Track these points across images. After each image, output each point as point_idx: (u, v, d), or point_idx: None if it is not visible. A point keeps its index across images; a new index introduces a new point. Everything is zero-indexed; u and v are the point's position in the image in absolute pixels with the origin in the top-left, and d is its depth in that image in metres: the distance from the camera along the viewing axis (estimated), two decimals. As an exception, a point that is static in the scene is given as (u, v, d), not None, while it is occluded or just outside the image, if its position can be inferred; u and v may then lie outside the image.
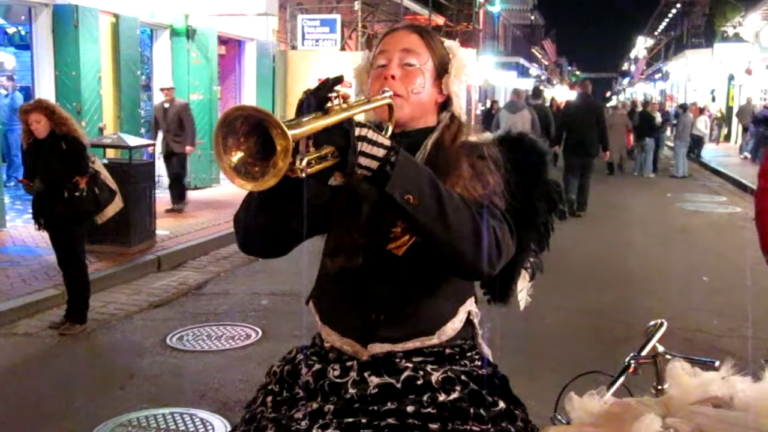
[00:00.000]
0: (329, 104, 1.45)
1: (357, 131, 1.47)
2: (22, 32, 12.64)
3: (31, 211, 5.70)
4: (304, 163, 1.39)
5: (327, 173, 1.48)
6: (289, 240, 1.74)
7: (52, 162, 5.43)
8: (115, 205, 5.91)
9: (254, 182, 1.37)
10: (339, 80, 1.50)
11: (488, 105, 22.29)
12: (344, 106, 1.48)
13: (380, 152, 1.50)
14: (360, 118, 1.59)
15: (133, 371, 4.86)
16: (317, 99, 1.45)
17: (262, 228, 1.69)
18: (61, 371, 4.89)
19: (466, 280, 1.80)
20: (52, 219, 5.53)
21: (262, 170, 1.36)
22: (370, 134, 1.49)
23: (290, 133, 1.30)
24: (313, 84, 1.58)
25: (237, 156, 1.38)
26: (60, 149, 5.42)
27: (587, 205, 11.58)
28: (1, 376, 4.81)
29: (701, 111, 21.46)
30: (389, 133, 1.69)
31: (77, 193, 5.49)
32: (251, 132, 1.37)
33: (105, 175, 5.84)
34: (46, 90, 9.84)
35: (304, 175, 1.39)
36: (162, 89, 10.67)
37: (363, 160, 1.49)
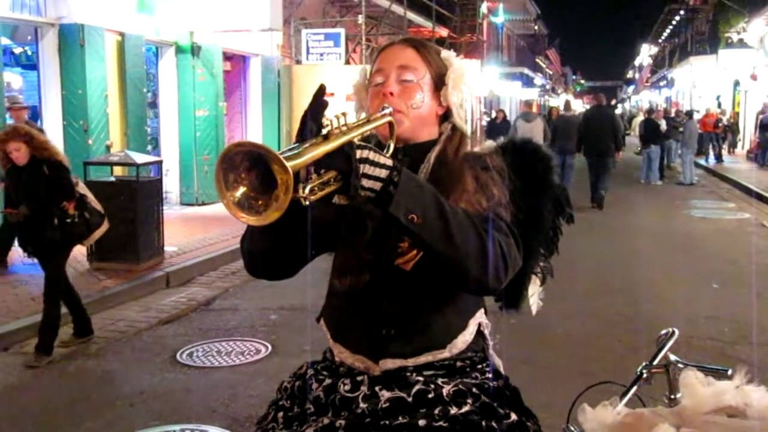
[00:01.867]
0: (329, 128, 1.44)
1: (358, 153, 1.46)
2: (29, 52, 12.71)
3: (18, 239, 5.53)
4: (307, 190, 1.38)
5: (330, 195, 1.48)
6: (295, 261, 1.75)
7: (36, 188, 5.32)
8: (103, 228, 5.79)
9: (257, 216, 1.37)
10: (322, 91, 1.50)
11: (494, 115, 22.36)
12: (344, 128, 1.47)
13: (383, 173, 1.49)
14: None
15: (143, 388, 4.86)
16: (317, 124, 1.45)
17: (268, 251, 1.70)
18: (70, 389, 4.89)
19: (474, 295, 1.79)
20: (41, 245, 5.42)
21: (265, 204, 1.36)
22: (372, 155, 1.48)
23: (290, 164, 1.30)
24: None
25: (239, 191, 1.38)
26: (42, 174, 5.32)
27: (605, 198, 13.36)
28: (12, 394, 4.82)
29: None
30: (391, 151, 1.69)
31: (68, 219, 5.40)
32: (252, 167, 1.37)
33: (91, 198, 5.70)
34: (53, 109, 9.90)
35: (307, 203, 1.39)
36: (10, 108, 8.53)
37: (366, 182, 1.48)
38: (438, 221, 1.53)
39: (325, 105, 1.48)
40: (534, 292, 1.99)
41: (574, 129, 13.87)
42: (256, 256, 1.75)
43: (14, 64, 13.46)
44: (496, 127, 19.15)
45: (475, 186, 1.71)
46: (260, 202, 1.37)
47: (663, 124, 18.95)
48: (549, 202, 1.91)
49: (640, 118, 21.21)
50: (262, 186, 1.36)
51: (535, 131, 13.41)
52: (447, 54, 1.88)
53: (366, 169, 1.47)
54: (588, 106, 18.42)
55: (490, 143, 1.89)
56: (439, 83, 1.83)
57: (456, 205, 1.62)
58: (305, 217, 1.55)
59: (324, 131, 1.43)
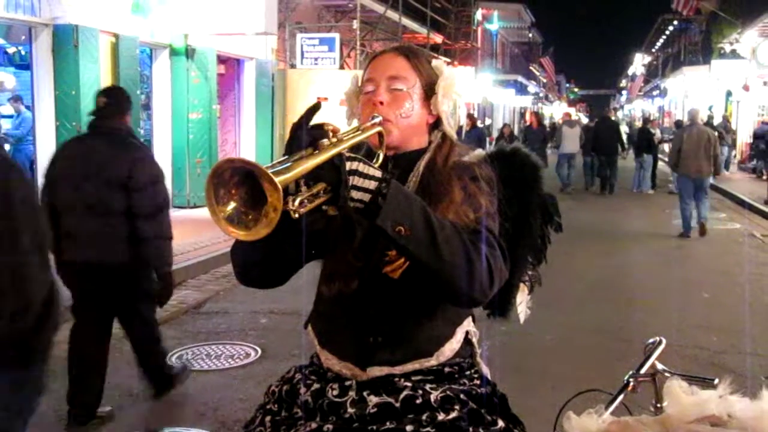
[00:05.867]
0: (319, 139, 1.45)
1: (348, 165, 1.47)
2: (22, 52, 12.68)
3: None
4: (297, 203, 1.39)
5: (320, 206, 1.48)
6: (286, 269, 1.75)
7: None
8: None
9: (247, 231, 1.37)
10: (317, 108, 1.51)
11: (463, 122, 20.26)
12: (334, 140, 1.48)
13: (372, 185, 1.50)
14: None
15: (132, 390, 4.84)
16: (307, 136, 1.46)
17: (260, 261, 1.71)
18: (58, 391, 4.87)
19: (460, 307, 1.80)
20: None
21: (254, 218, 1.36)
22: (361, 167, 1.50)
23: (280, 179, 1.30)
24: (311, 101, 1.59)
25: (230, 206, 1.39)
26: None
27: (615, 188, 17.57)
28: None
29: None
30: (380, 161, 1.70)
31: None
32: (242, 182, 1.37)
33: None
34: (46, 109, 9.87)
35: (297, 215, 1.39)
36: None
37: (355, 194, 1.49)
38: (425, 234, 1.54)
39: (319, 127, 1.49)
40: (522, 300, 2.01)
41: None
42: (247, 267, 1.76)
43: (7, 63, 13.43)
44: (465, 135, 18.05)
45: (463, 196, 1.71)
46: (250, 217, 1.37)
47: (657, 134, 19.04)
48: (537, 210, 1.93)
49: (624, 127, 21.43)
50: (251, 200, 1.37)
51: (576, 135, 18.03)
52: (437, 63, 1.89)
53: (355, 180, 1.48)
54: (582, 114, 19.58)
55: (479, 152, 1.89)
56: (429, 92, 1.83)
57: (444, 218, 1.62)
58: (295, 227, 1.56)
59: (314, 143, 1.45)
